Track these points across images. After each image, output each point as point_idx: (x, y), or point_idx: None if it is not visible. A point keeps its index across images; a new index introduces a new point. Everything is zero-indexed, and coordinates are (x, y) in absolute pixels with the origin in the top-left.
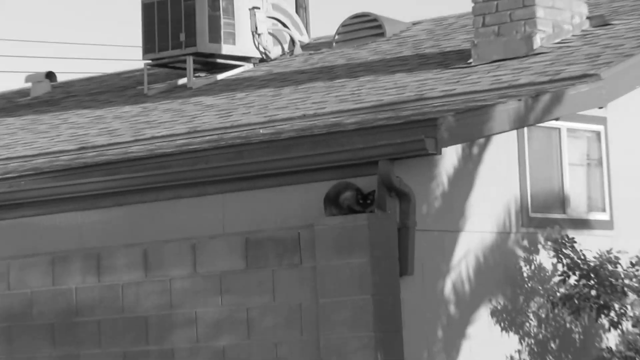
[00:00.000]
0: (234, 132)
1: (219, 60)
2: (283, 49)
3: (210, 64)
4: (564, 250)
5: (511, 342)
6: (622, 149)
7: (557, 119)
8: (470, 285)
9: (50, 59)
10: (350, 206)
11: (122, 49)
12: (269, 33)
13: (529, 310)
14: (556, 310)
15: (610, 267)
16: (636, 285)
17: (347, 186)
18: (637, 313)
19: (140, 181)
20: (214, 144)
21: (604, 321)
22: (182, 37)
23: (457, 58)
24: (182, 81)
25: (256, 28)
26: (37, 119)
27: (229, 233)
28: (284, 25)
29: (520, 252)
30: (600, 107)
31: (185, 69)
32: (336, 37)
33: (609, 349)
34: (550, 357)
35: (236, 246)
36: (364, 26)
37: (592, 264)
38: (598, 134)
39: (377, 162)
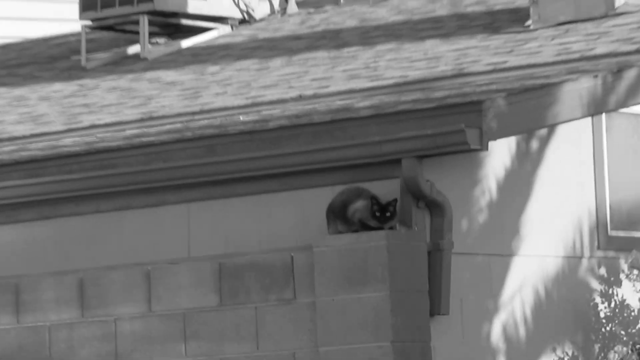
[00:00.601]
0: (204, 119)
1: (184, 22)
2: (272, 5)
3: (172, 26)
4: None
5: None
6: None
7: None
8: (526, 329)
9: None
10: (362, 220)
11: (52, 5)
12: None
13: None
14: None
15: None
16: None
17: (358, 193)
18: None
19: (76, 185)
20: (176, 135)
21: None
22: None
23: (511, 19)
24: (133, 49)
25: None
26: None
27: (197, 257)
28: None
29: (596, 284)
30: None
31: (137, 32)
32: None
33: None
34: None
35: (206, 275)
36: None
37: None
38: None
39: (399, 160)
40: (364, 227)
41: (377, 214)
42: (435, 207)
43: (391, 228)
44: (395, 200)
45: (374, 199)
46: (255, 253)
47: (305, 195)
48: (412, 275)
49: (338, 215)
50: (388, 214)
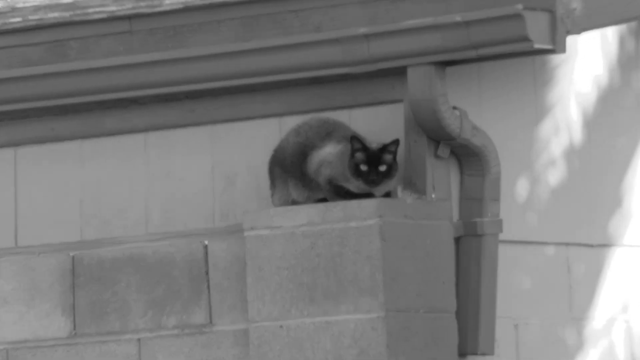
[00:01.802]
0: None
1: None
2: None
3: None
4: None
5: None
6: None
7: None
8: None
9: None
10: (334, 180)
11: None
12: None
13: None
14: None
15: None
16: None
17: (328, 131)
18: None
19: None
20: None
21: None
22: None
23: None
24: None
25: None
26: None
27: (26, 247)
28: None
29: None
30: None
31: None
32: None
33: None
34: None
35: (50, 279)
36: None
37: None
38: None
39: (404, 70)
40: (338, 192)
41: (363, 167)
42: (470, 158)
43: (387, 195)
44: (396, 142)
45: (355, 141)
46: (137, 241)
47: (226, 132)
48: (426, 282)
49: (290, 171)
50: (382, 169)
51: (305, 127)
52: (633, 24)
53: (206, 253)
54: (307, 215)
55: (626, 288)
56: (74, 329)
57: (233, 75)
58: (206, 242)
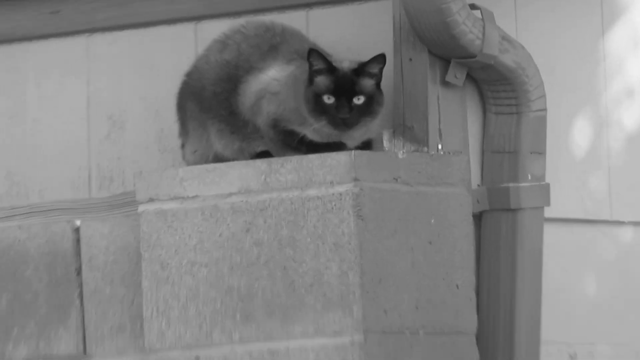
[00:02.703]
0: None
1: None
2: None
3: None
4: None
5: None
6: None
7: None
8: None
9: None
10: (282, 121)
11: None
12: None
13: None
14: None
15: None
16: None
17: (272, 45)
18: None
19: None
20: None
21: None
22: None
23: None
24: None
25: None
26: None
27: None
28: None
29: None
30: None
31: None
32: None
33: None
34: None
35: None
36: None
37: None
38: None
39: None
40: (288, 142)
41: (327, 99)
42: (498, 86)
43: (367, 145)
44: (380, 60)
45: (316, 58)
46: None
47: (109, 43)
48: (429, 286)
49: (212, 109)
50: (359, 102)
51: (237, 36)
52: None
53: (77, 240)
54: (240, 179)
55: None
56: None
57: None
58: (77, 223)
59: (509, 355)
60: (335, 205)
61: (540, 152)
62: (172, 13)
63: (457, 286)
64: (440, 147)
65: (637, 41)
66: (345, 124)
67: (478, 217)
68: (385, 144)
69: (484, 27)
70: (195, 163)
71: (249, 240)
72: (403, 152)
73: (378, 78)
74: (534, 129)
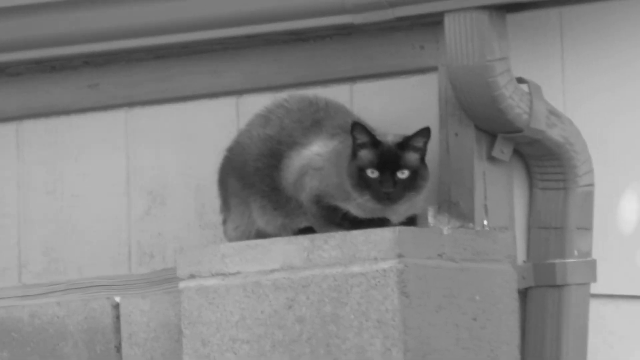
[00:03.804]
0: None
1: None
2: None
3: None
4: None
5: None
6: None
7: None
8: None
9: None
10: (325, 197)
11: None
12: None
13: None
14: None
15: None
16: None
17: (315, 117)
18: None
19: None
20: None
21: None
22: None
23: None
24: None
25: None
26: None
27: None
28: None
29: None
30: None
31: None
32: None
33: None
34: None
35: None
36: None
37: None
38: None
39: (438, 18)
40: (331, 218)
41: (371, 174)
42: (545, 162)
43: (412, 221)
44: (425, 134)
45: (359, 132)
46: (4, 297)
47: (151, 118)
48: (474, 357)
49: (254, 184)
50: (403, 176)
51: (279, 111)
52: None
53: (117, 317)
54: (282, 255)
55: None
56: None
57: (158, 29)
58: (117, 300)
59: None
60: (379, 281)
61: (587, 228)
62: (214, 87)
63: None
64: (485, 223)
65: None
66: (389, 199)
67: (524, 293)
68: (430, 219)
69: (531, 102)
70: (237, 239)
71: (291, 317)
72: (448, 228)
73: (423, 152)
74: (581, 205)
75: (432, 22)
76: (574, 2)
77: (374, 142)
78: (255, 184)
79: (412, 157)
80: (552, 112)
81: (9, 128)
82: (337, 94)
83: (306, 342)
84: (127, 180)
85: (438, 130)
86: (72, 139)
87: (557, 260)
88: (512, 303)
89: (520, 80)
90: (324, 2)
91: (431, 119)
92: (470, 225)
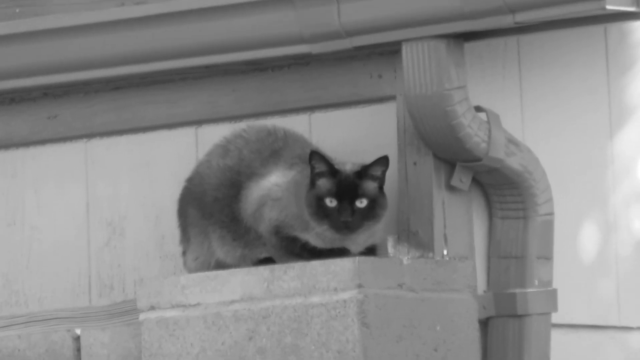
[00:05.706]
0: None
1: None
2: None
3: None
4: None
5: None
6: None
7: None
8: None
9: None
10: (284, 228)
11: None
12: None
13: None
14: None
15: None
16: None
17: (274, 150)
18: None
19: None
20: None
21: None
22: None
23: None
24: None
25: None
26: None
27: None
28: None
29: None
30: None
31: None
32: None
33: None
34: None
35: None
36: None
37: None
38: None
39: (395, 47)
40: (291, 248)
41: (330, 203)
42: (504, 190)
43: (371, 251)
44: (383, 163)
45: (317, 160)
46: None
47: (109, 149)
48: None
49: (213, 215)
50: (361, 205)
51: (238, 141)
52: None
53: (78, 349)
54: (242, 286)
55: None
56: None
57: (117, 60)
58: (77, 332)
59: None
60: (339, 312)
61: (548, 257)
62: (172, 117)
63: None
64: (445, 252)
65: None
66: (348, 228)
67: (484, 323)
68: (390, 249)
69: (489, 130)
70: (197, 270)
71: (252, 348)
72: (408, 258)
73: (381, 181)
74: (541, 234)
75: (390, 51)
76: (531, 31)
77: (332, 171)
78: (214, 214)
79: (370, 186)
80: (511, 141)
81: None
82: (295, 123)
83: None
84: (86, 212)
85: (397, 159)
86: (32, 170)
87: (517, 290)
88: (473, 333)
89: (478, 109)
90: (282, 32)
91: (390, 148)
92: (430, 254)
